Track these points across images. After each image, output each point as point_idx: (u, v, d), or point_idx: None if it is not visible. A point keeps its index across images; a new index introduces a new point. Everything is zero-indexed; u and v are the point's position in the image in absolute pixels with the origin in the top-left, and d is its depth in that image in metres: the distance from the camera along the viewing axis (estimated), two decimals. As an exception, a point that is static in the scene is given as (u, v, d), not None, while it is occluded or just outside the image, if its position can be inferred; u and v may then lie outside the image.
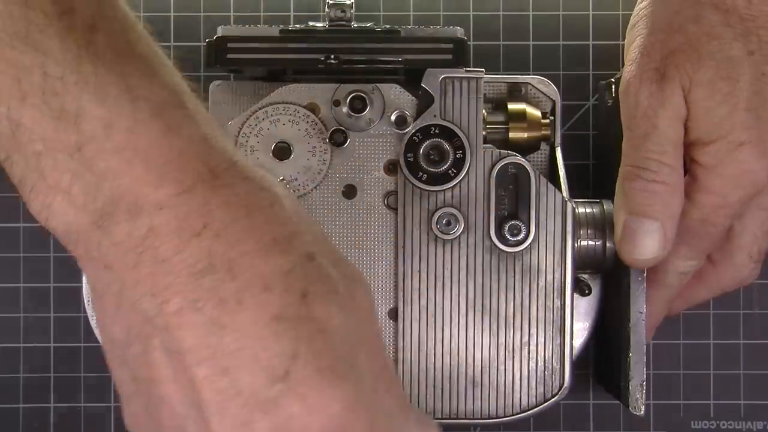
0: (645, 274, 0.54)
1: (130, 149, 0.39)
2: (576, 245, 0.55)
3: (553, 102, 0.58)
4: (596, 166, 0.62)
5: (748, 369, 0.63)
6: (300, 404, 0.41)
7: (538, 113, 0.57)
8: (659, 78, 0.51)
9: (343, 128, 0.55)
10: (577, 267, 0.55)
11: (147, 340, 0.41)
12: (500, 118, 0.57)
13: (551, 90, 0.58)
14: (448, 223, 0.54)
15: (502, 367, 0.55)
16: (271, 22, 0.61)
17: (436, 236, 0.54)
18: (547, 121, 0.57)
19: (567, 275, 0.54)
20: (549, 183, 0.54)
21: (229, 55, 0.54)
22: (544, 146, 0.58)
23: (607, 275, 0.58)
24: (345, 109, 0.55)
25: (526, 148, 0.57)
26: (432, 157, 0.54)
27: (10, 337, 0.62)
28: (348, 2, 0.54)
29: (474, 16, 0.63)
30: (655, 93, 0.51)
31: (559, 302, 0.55)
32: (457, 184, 0.54)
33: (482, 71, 0.54)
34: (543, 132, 0.57)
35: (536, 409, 0.55)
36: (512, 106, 0.57)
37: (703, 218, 0.53)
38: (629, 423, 0.62)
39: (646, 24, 0.53)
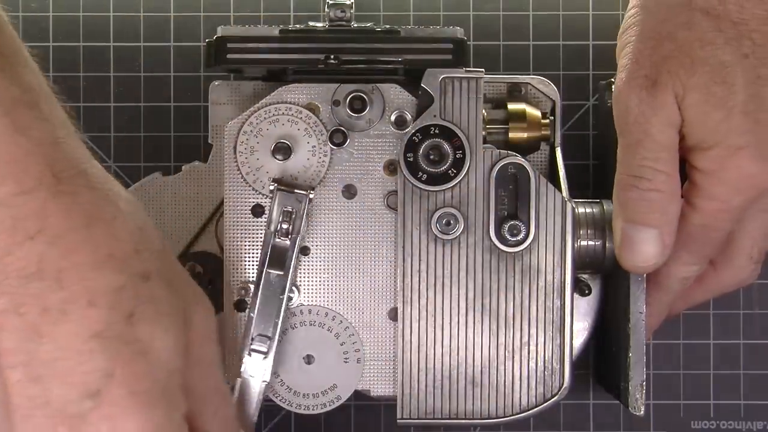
0: (645, 275, 0.54)
1: None
2: (576, 245, 0.55)
3: (553, 102, 0.58)
4: (596, 166, 0.62)
5: (748, 369, 0.63)
6: (107, 424, 0.41)
7: (537, 113, 0.57)
8: (650, 85, 0.51)
9: (342, 128, 0.55)
10: (577, 267, 0.55)
11: None
12: (500, 118, 0.57)
13: (551, 90, 0.58)
14: (448, 223, 0.54)
15: (501, 367, 0.55)
16: (271, 22, 0.61)
17: (436, 236, 0.54)
18: (547, 121, 0.57)
19: (567, 275, 0.54)
20: (549, 183, 0.54)
21: (229, 55, 0.54)
22: (543, 146, 0.58)
23: (607, 275, 0.58)
24: (345, 109, 0.55)
25: (525, 148, 0.57)
26: (432, 157, 0.54)
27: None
28: (348, 2, 0.54)
29: (474, 16, 0.62)
30: (645, 100, 0.51)
31: (559, 302, 0.55)
32: (456, 184, 0.54)
33: (482, 71, 0.54)
34: (543, 132, 0.57)
35: (536, 409, 0.55)
36: (512, 106, 0.57)
37: (705, 224, 0.53)
38: (629, 423, 0.62)
39: (636, 31, 0.52)
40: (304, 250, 0.55)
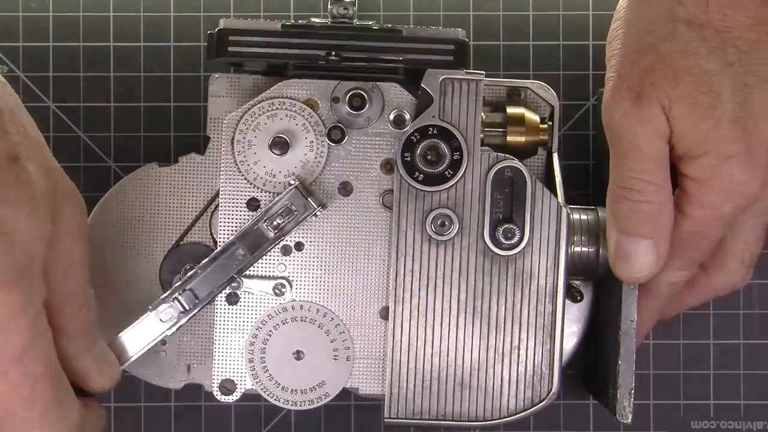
0: (638, 284, 0.54)
1: None
2: (569, 251, 0.55)
3: (552, 107, 0.58)
4: (596, 167, 0.62)
5: (748, 369, 0.63)
6: None
7: (536, 118, 0.57)
8: (634, 97, 0.51)
9: (341, 125, 0.55)
10: (570, 273, 0.55)
11: None
12: (498, 121, 0.57)
13: (550, 95, 0.58)
14: (443, 224, 0.54)
15: (491, 370, 0.55)
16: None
17: (431, 237, 0.54)
18: (545, 126, 0.57)
19: (559, 280, 0.54)
20: (545, 188, 0.54)
21: (231, 48, 0.54)
22: (541, 151, 0.58)
23: (599, 282, 0.58)
24: (344, 107, 0.55)
25: (523, 152, 0.57)
26: (429, 157, 0.54)
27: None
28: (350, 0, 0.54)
29: (474, 16, 0.63)
30: (629, 112, 0.51)
31: (550, 307, 0.55)
32: (453, 185, 0.54)
33: (482, 74, 0.54)
34: (540, 137, 0.57)
35: (523, 413, 0.55)
36: (511, 110, 0.57)
37: (696, 231, 0.53)
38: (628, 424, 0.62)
39: (618, 44, 0.52)
40: (298, 246, 0.55)
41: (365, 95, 0.54)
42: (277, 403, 0.55)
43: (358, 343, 0.55)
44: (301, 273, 0.55)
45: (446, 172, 0.54)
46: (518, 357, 0.55)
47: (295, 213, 0.54)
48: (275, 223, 0.54)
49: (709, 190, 0.51)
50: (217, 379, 0.55)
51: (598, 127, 0.61)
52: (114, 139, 0.62)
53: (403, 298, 0.54)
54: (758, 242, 0.56)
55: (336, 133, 0.54)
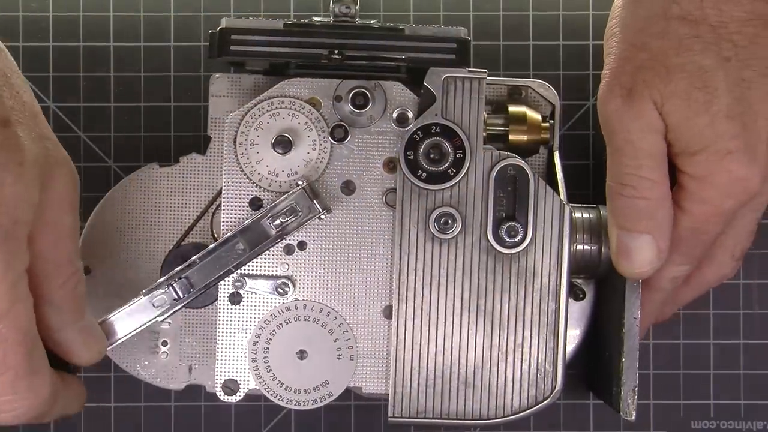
0: (641, 280, 0.54)
1: None
2: (572, 249, 0.55)
3: (553, 106, 0.58)
4: (596, 166, 0.62)
5: (748, 369, 0.63)
6: None
7: (538, 116, 0.57)
8: (625, 94, 0.51)
9: (344, 124, 0.54)
10: (572, 271, 0.55)
11: None
12: (500, 120, 0.57)
13: (551, 94, 0.59)
14: (446, 223, 0.54)
15: (494, 369, 0.55)
16: (272, 21, 0.61)
17: (434, 235, 0.54)
18: (547, 124, 0.57)
19: (562, 278, 0.54)
20: (548, 186, 0.54)
21: (233, 47, 0.53)
22: (542, 150, 0.58)
23: (601, 280, 0.58)
24: (347, 105, 0.55)
25: (524, 150, 0.57)
26: (432, 155, 0.54)
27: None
28: (352, -2, 0.55)
29: (474, 16, 0.63)
30: (621, 108, 0.51)
31: (553, 305, 0.55)
32: (456, 183, 0.54)
33: (485, 72, 0.54)
34: (542, 135, 0.57)
35: (527, 411, 0.55)
36: (513, 109, 0.57)
37: (695, 227, 0.53)
38: (629, 423, 0.62)
39: (615, 42, 0.53)
40: (301, 245, 0.55)
41: (368, 94, 0.54)
42: (280, 402, 0.55)
43: (361, 342, 0.55)
44: (304, 272, 0.55)
45: (449, 171, 0.54)
46: (522, 355, 0.55)
47: (299, 213, 0.54)
48: (278, 221, 0.54)
49: (709, 186, 0.52)
50: (220, 380, 0.55)
51: (598, 126, 0.61)
52: (114, 139, 0.62)
53: (406, 297, 0.54)
54: (750, 236, 0.56)
55: (339, 132, 0.54)
